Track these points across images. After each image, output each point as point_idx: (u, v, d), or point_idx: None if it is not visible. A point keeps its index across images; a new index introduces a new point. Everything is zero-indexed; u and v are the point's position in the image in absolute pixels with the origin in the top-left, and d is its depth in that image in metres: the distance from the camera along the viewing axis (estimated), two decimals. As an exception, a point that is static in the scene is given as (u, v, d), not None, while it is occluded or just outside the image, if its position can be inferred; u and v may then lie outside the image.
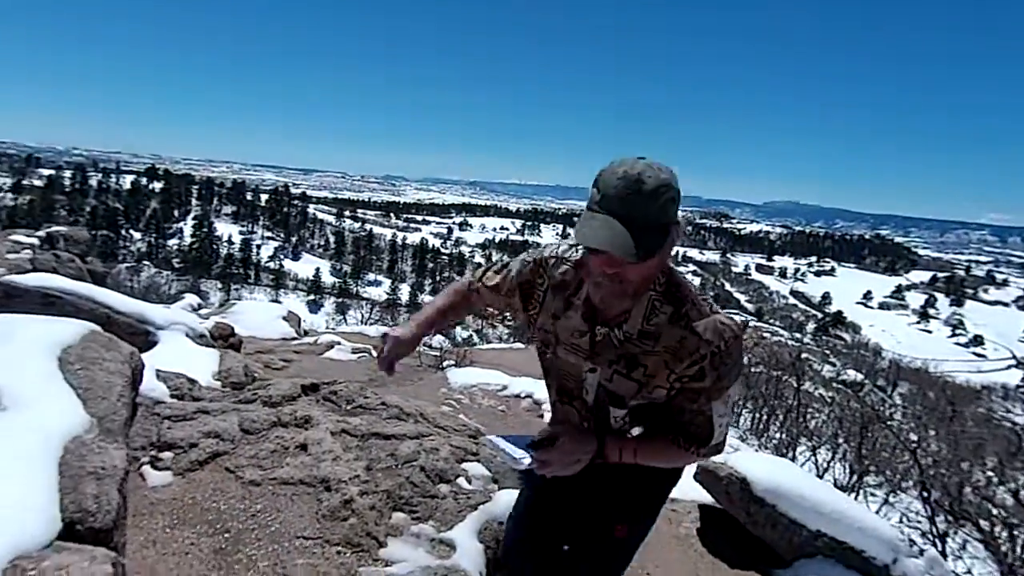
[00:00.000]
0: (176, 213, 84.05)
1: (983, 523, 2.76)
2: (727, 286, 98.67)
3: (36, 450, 1.47)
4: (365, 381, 4.61)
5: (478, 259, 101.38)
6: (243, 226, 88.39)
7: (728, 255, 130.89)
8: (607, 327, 1.19)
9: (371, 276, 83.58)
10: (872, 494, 3.88)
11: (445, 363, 8.31)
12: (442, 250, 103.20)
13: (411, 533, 2.02)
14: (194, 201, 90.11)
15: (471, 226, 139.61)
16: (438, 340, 11.16)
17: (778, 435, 4.94)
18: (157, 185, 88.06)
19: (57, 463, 1.46)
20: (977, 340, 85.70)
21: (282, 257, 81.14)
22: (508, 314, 1.58)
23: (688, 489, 3.84)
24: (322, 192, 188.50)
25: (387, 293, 64.49)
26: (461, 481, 2.35)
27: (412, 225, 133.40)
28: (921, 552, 2.77)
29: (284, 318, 8.25)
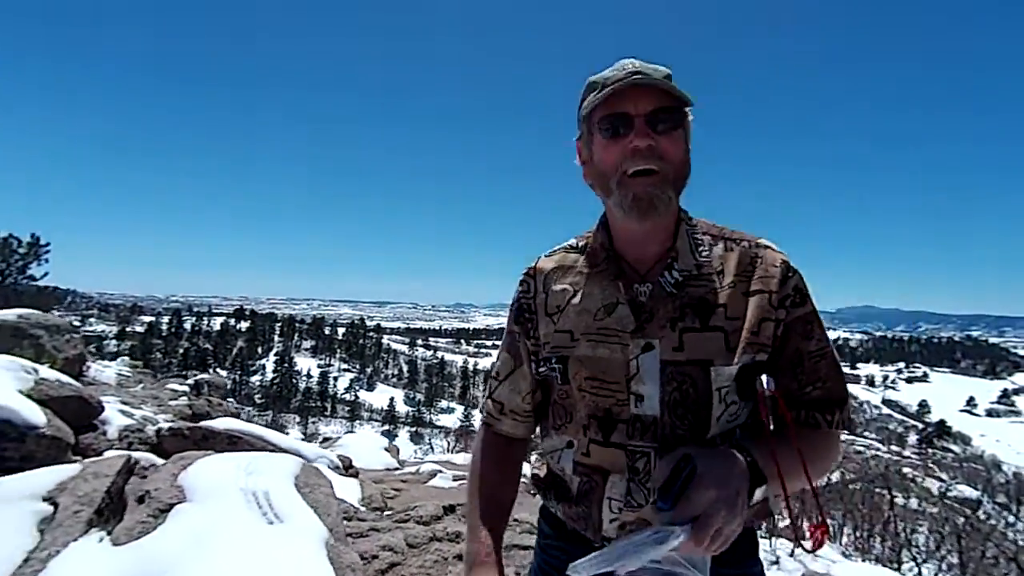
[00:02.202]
0: (260, 350, 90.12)
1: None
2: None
3: (312, 549, 2.08)
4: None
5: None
6: (321, 359, 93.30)
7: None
8: (648, 281, 0.88)
9: (443, 403, 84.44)
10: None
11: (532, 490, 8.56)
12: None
13: (562, 629, 2.43)
14: (276, 338, 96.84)
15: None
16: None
17: (880, 549, 4.85)
18: (244, 325, 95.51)
19: (327, 559, 2.06)
20: (1112, 445, 74.34)
21: (358, 388, 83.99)
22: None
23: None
24: (395, 323, 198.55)
25: (460, 420, 64.55)
26: None
27: (483, 350, 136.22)
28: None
29: (386, 449, 8.91)
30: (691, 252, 0.88)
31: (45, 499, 2.16)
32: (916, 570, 4.23)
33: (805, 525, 0.83)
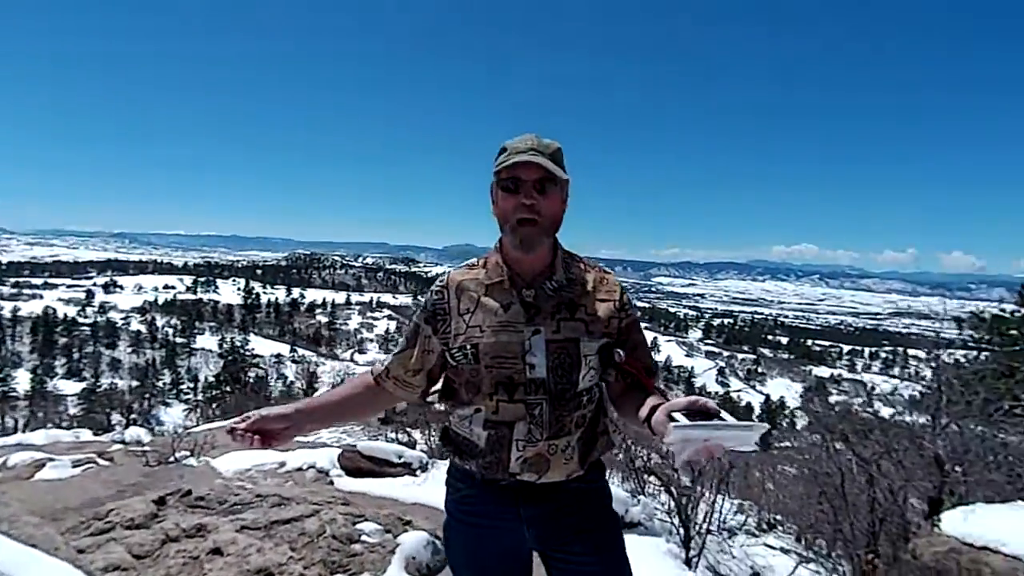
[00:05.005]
0: None
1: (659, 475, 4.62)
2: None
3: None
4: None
5: (135, 326, 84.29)
6: None
7: (419, 297, 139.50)
8: (532, 288, 1.25)
9: (-39, 364, 61.01)
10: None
11: (179, 454, 7.60)
12: (80, 319, 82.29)
13: (357, 585, 2.52)
14: None
15: (122, 287, 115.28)
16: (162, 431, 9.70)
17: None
18: None
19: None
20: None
21: None
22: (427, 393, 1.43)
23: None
24: None
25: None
26: (365, 537, 2.89)
27: (27, 291, 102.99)
28: (638, 501, 4.39)
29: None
30: (563, 270, 1.29)
31: None
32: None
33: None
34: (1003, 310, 9.82)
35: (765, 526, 8.30)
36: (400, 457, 5.98)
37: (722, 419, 0.98)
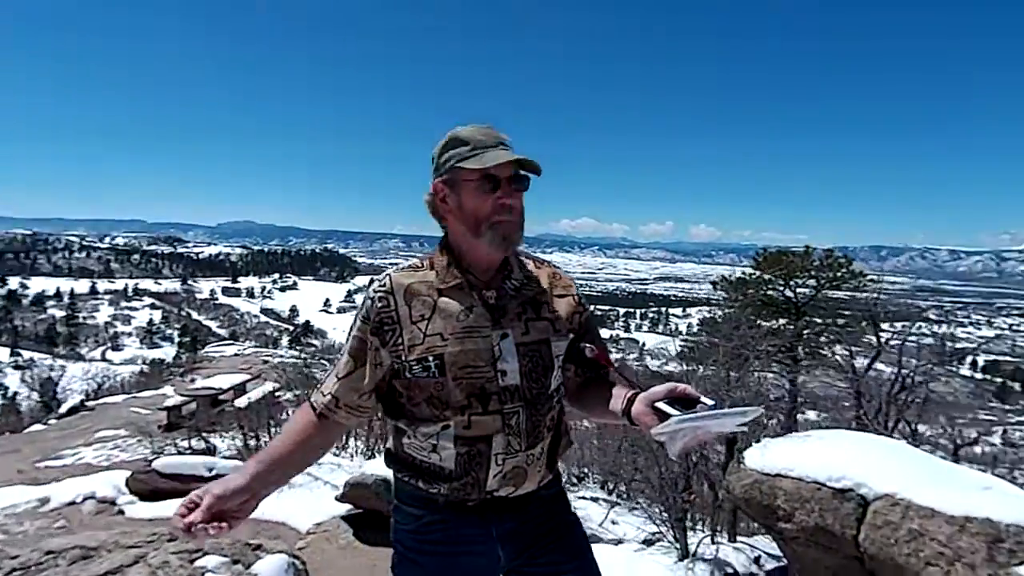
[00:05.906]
0: None
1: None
2: (195, 315, 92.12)
3: None
4: None
5: None
6: None
7: (189, 282, 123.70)
8: (492, 288, 1.17)
9: None
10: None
11: None
12: None
13: (214, 633, 2.15)
14: None
15: None
16: None
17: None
18: None
19: None
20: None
21: None
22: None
23: (330, 510, 4.55)
24: None
25: None
26: (210, 575, 2.48)
27: None
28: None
29: None
30: (518, 268, 1.23)
31: None
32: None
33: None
34: (744, 273, 12.47)
35: (575, 480, 9.27)
36: (211, 470, 5.21)
37: (703, 403, 1.00)
